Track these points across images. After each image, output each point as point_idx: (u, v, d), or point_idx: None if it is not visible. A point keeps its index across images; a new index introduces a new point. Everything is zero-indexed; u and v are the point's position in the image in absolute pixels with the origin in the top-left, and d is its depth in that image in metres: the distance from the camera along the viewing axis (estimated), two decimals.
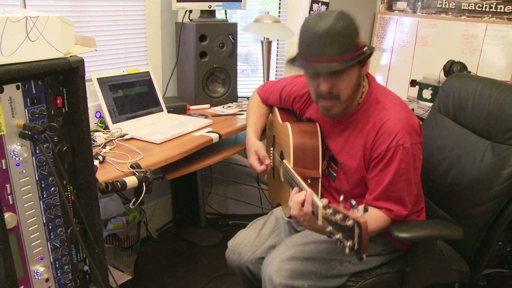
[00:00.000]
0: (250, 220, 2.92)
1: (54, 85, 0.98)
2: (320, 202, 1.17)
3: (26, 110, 0.94)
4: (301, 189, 1.31)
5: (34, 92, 0.95)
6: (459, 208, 1.61)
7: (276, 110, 1.80)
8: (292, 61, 1.44)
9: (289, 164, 1.53)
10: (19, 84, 0.92)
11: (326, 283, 1.47)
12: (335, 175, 1.56)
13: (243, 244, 1.67)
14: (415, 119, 1.43)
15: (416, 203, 1.55)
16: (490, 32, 2.45)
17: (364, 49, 1.37)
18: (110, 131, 1.86)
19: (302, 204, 1.25)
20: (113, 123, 1.91)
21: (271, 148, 1.84)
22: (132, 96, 2.04)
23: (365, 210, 1.04)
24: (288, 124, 1.58)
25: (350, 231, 1.03)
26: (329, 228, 1.10)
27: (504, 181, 1.48)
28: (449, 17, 2.59)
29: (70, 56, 0.96)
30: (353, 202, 1.05)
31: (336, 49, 1.31)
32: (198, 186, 2.83)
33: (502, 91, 1.60)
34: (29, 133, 0.93)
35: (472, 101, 1.69)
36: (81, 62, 0.97)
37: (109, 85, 1.95)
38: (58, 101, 0.99)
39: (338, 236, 1.07)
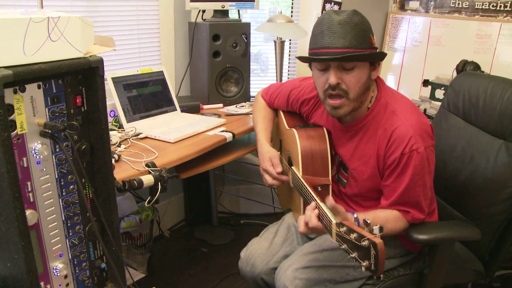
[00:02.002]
0: (262, 219, 2.98)
1: (73, 84, 1.00)
2: (334, 219, 1.14)
3: (46, 109, 0.96)
4: (310, 202, 1.30)
5: (54, 91, 0.97)
6: (473, 208, 1.60)
7: (282, 114, 1.78)
8: (302, 57, 1.43)
9: (298, 171, 1.51)
10: (40, 83, 0.93)
11: (343, 287, 1.46)
12: (345, 181, 1.54)
13: (256, 255, 1.64)
14: (426, 122, 1.40)
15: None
16: (504, 31, 2.42)
17: (377, 50, 1.37)
18: (124, 130, 1.88)
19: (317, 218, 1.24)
20: (127, 122, 1.93)
21: (278, 152, 1.83)
22: (146, 95, 2.06)
23: (381, 230, 1.02)
24: (294, 130, 1.56)
25: (366, 251, 1.01)
26: (344, 246, 1.09)
27: None
28: (462, 16, 2.57)
29: (90, 56, 0.97)
30: (368, 221, 1.03)
31: (352, 41, 1.30)
32: (211, 185, 2.84)
33: None
34: (50, 131, 0.95)
35: (483, 100, 1.67)
36: (100, 61, 0.99)
37: (123, 84, 1.97)
38: (77, 100, 1.01)
39: (354, 255, 1.05)
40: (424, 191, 1.38)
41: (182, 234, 2.83)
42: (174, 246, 2.70)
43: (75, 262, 1.09)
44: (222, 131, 1.99)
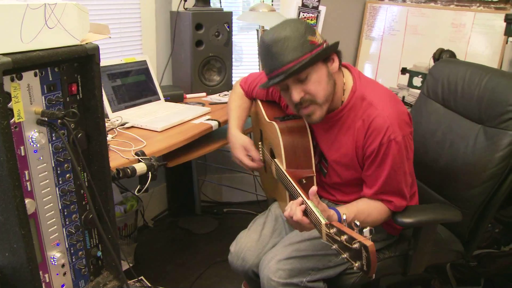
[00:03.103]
0: (244, 207, 3.01)
1: (69, 72, 0.99)
2: (323, 219, 1.14)
3: (43, 97, 0.95)
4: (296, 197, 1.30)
5: (50, 79, 0.96)
6: (453, 190, 1.66)
7: (260, 105, 1.76)
8: (263, 85, 1.44)
9: (281, 165, 1.51)
10: (37, 71, 0.93)
11: (325, 274, 1.49)
12: (326, 171, 1.57)
13: (246, 248, 1.64)
14: (404, 110, 1.42)
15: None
16: (478, 20, 2.50)
17: (324, 45, 1.36)
18: (110, 120, 1.87)
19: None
20: (112, 112, 1.92)
21: (259, 143, 1.83)
22: (130, 84, 2.05)
23: (371, 232, 1.03)
24: (275, 124, 1.55)
25: (357, 252, 1.03)
26: (335, 246, 1.09)
27: (497, 163, 1.53)
28: (438, 6, 2.64)
29: (86, 43, 0.97)
30: (357, 223, 1.05)
31: (289, 55, 1.31)
32: (193, 174, 2.84)
33: (492, 76, 1.65)
34: (47, 119, 0.95)
35: (461, 86, 1.73)
36: (96, 49, 0.98)
37: (107, 74, 1.95)
38: (73, 88, 1.01)
39: (345, 255, 1.06)
40: (405, 178, 1.42)
41: (166, 224, 2.84)
42: (159, 236, 2.71)
43: (72, 251, 1.09)
44: (208, 119, 2.00)
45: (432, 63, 2.43)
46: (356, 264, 1.03)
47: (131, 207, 2.28)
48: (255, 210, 2.87)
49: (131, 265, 2.19)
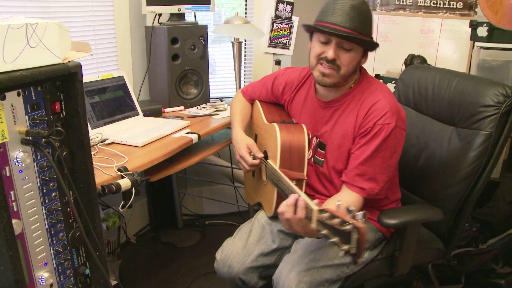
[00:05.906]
0: (226, 219, 3.01)
1: (52, 91, 1.00)
2: (315, 206, 1.18)
3: (27, 117, 0.95)
4: (292, 192, 1.33)
5: (34, 98, 0.96)
6: (431, 191, 1.71)
7: (261, 109, 1.82)
8: (308, 25, 1.51)
9: (275, 165, 1.55)
10: (20, 90, 0.93)
11: (335, 286, 1.51)
12: (323, 159, 1.61)
13: (232, 255, 1.65)
14: (402, 109, 1.53)
15: (394, 192, 1.65)
16: (445, 26, 2.59)
17: (373, 40, 1.49)
18: (90, 137, 1.85)
19: (295, 209, 1.27)
20: (92, 129, 1.90)
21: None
22: (108, 101, 2.04)
23: (364, 216, 1.06)
24: (275, 125, 1.61)
25: (347, 235, 1.05)
26: (325, 231, 1.11)
27: (471, 162, 1.59)
28: (407, 13, 2.72)
29: (68, 62, 0.98)
30: (351, 208, 1.08)
31: (357, 25, 1.42)
32: (174, 188, 2.83)
33: (460, 80, 1.72)
34: (31, 139, 0.95)
35: (432, 91, 1.80)
36: (79, 67, 0.99)
37: (85, 91, 1.94)
38: (56, 107, 1.01)
39: (335, 239, 1.08)
40: (383, 165, 1.46)
41: (148, 239, 2.82)
42: (142, 251, 2.68)
43: (60, 270, 1.08)
44: (188, 132, 2.00)
45: (404, 69, 2.50)
46: (344, 247, 1.05)
47: (113, 223, 2.26)
48: (237, 221, 2.88)
49: (117, 281, 2.16)
